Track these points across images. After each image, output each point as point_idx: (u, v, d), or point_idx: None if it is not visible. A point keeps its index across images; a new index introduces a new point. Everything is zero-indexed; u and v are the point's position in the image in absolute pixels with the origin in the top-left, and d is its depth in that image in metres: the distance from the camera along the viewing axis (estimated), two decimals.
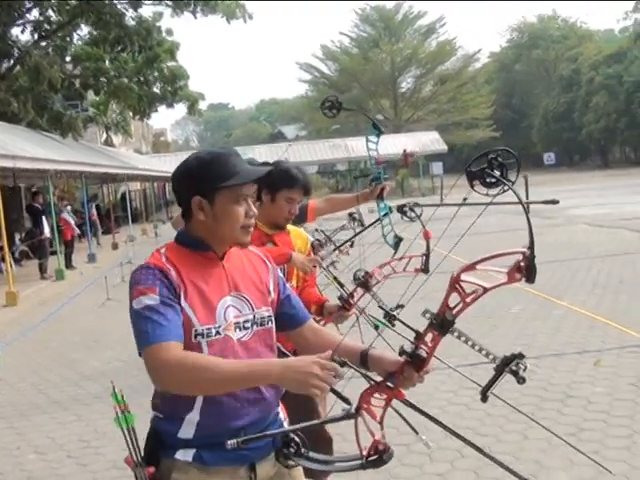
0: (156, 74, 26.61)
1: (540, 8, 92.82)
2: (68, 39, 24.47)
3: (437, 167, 42.72)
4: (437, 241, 2.48)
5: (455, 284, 1.96)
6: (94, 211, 28.70)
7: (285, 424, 2.43)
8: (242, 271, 2.33)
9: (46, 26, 22.85)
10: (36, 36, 22.74)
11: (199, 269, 2.23)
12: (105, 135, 41.59)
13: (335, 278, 4.04)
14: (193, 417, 2.17)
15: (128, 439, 2.46)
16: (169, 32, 26.95)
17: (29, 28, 22.58)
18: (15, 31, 22.94)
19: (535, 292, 9.69)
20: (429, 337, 2.03)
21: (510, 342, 7.44)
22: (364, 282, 3.60)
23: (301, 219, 4.61)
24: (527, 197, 22.16)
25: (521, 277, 1.90)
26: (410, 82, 66.28)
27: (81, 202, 24.62)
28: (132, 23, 24.02)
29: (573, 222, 18.61)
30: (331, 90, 65.14)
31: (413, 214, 4.09)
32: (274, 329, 2.36)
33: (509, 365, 2.05)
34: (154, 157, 49.82)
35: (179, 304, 2.13)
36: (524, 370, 2.03)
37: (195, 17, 24.62)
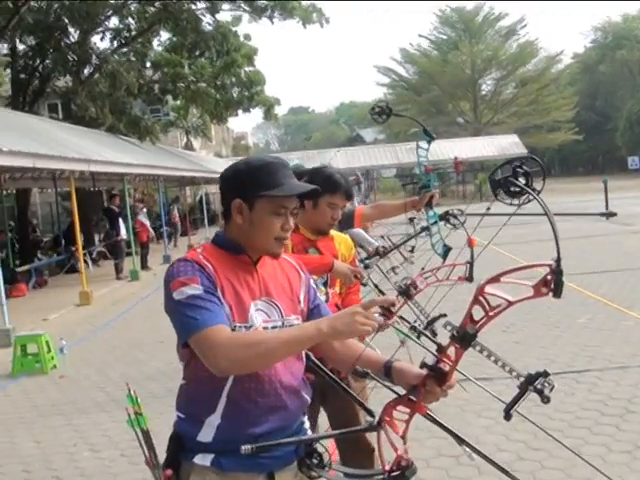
0: (233, 79, 26.91)
1: (625, 7, 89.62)
2: (148, 45, 25.02)
3: None
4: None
5: (479, 297, 1.89)
6: (176, 212, 29.36)
7: (305, 424, 2.42)
8: (274, 278, 2.33)
9: (125, 33, 23.44)
10: (115, 43, 23.34)
11: (233, 270, 2.24)
12: (185, 139, 42.46)
13: (376, 286, 3.98)
14: (214, 420, 2.18)
15: (142, 440, 2.48)
16: (247, 37, 27.22)
17: (108, 35, 23.26)
18: (94, 38, 23.68)
19: (605, 301, 9.40)
20: (452, 351, 1.97)
21: (574, 353, 7.23)
22: (405, 290, 3.53)
23: (348, 225, 4.58)
24: (607, 203, 21.48)
25: (547, 291, 1.83)
26: (490, 84, 65.32)
27: (161, 204, 25.17)
28: (209, 28, 24.42)
29: None
30: (409, 93, 64.90)
31: (457, 221, 4.01)
32: None
33: (533, 384, 1.96)
34: (233, 160, 50.43)
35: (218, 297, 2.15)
36: (550, 390, 1.93)
37: (272, 22, 24.84)
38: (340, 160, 37.58)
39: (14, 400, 7.50)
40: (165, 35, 25.33)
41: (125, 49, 24.22)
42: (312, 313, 2.41)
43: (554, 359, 7.06)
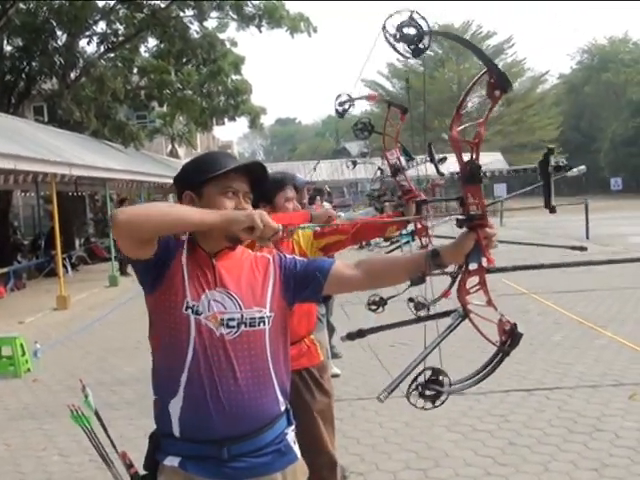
0: (220, 87, 26.86)
1: (612, 30, 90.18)
2: (135, 51, 24.98)
3: (500, 189, 41.98)
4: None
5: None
6: None
7: (289, 436, 2.35)
8: (236, 271, 2.31)
9: (113, 38, 23.41)
10: (102, 48, 23.27)
11: (195, 258, 2.28)
12: (170, 146, 42.28)
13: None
14: (177, 403, 2.20)
15: (90, 438, 2.50)
16: (233, 43, 27.11)
17: (96, 40, 23.19)
18: (82, 42, 23.62)
19: (580, 320, 9.48)
20: (469, 198, 2.08)
21: (546, 370, 7.29)
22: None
23: None
24: (587, 224, 21.58)
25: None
26: (476, 102, 65.69)
27: None
28: (196, 36, 24.43)
29: (631, 250, 18.00)
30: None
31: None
32: (268, 331, 2.27)
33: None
34: None
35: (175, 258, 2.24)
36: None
37: (260, 31, 24.84)
38: (324, 172, 37.62)
39: None
40: (152, 41, 25.32)
41: (112, 54, 24.14)
42: (301, 274, 2.36)
43: (526, 375, 7.10)
